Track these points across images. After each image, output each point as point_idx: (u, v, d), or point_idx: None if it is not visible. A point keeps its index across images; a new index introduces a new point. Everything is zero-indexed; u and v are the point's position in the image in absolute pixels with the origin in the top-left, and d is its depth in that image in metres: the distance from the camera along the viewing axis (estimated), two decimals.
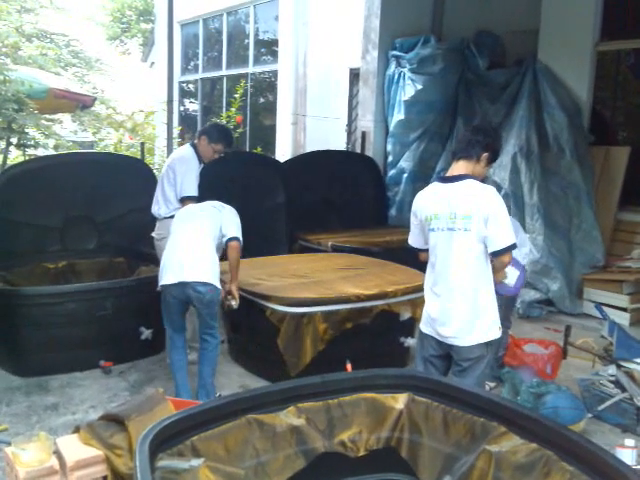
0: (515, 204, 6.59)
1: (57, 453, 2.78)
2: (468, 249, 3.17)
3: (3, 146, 8.48)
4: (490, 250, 3.14)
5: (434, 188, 3.33)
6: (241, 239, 4.24)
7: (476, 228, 3.12)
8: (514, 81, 7.12)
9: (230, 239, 4.21)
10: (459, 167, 3.24)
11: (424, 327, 3.45)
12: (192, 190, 4.81)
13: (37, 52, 9.74)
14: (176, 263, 4.03)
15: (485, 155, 3.26)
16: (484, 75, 7.49)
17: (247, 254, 5.31)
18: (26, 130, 8.08)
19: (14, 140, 8.24)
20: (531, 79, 6.96)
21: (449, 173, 3.29)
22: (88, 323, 4.65)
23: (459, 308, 3.24)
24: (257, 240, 6.23)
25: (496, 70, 7.49)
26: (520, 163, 6.68)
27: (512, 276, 3.67)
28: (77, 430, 2.95)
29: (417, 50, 7.49)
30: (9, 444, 2.78)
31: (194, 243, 4.12)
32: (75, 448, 2.81)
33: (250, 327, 4.57)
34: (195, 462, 2.38)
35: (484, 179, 3.43)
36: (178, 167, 4.87)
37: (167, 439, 2.37)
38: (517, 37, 7.63)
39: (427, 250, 3.40)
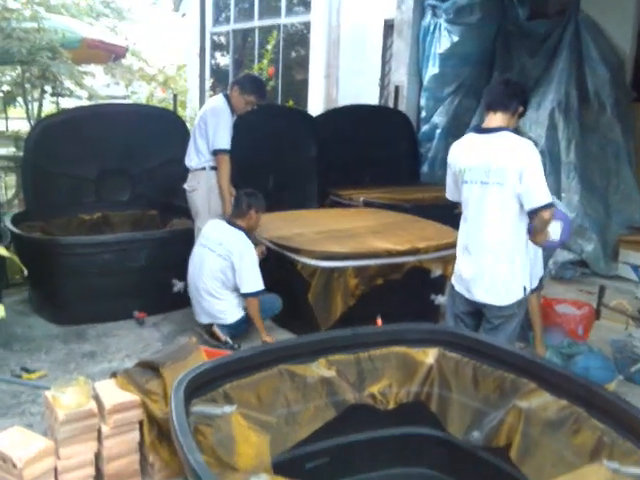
0: (551, 162, 6.46)
1: (95, 397, 2.86)
2: (501, 204, 3.12)
3: (37, 95, 8.53)
4: (527, 208, 3.07)
5: (470, 139, 3.27)
6: (258, 290, 4.29)
7: (511, 183, 3.05)
8: (555, 33, 6.89)
9: (245, 295, 4.29)
10: (496, 119, 3.16)
11: (455, 284, 3.44)
12: (225, 143, 4.75)
13: (70, 1, 9.68)
14: (195, 303, 4.48)
15: (521, 109, 3.21)
16: (524, 26, 7.25)
17: (278, 207, 5.34)
18: (60, 79, 8.09)
19: (48, 89, 8.27)
20: (573, 31, 6.73)
21: (485, 124, 3.21)
22: (122, 274, 4.73)
23: (490, 266, 3.20)
24: (288, 194, 6.26)
25: (537, 21, 7.24)
26: (558, 119, 6.52)
27: (555, 230, 3.54)
28: (114, 376, 3.03)
29: None
30: (48, 389, 2.87)
31: (205, 285, 4.35)
32: (113, 393, 2.89)
33: (280, 281, 4.59)
34: (228, 408, 2.44)
35: (519, 134, 3.35)
36: (210, 119, 4.81)
37: (201, 386, 2.43)
38: None
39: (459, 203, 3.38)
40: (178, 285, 4.81)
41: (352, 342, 2.90)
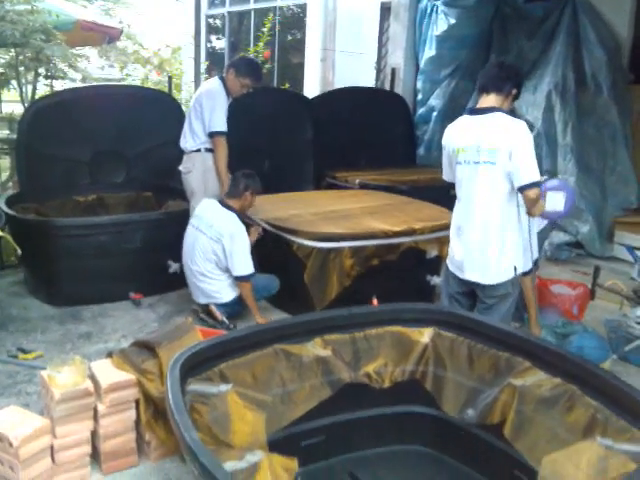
0: (547, 144, 6.45)
1: (91, 376, 2.86)
2: (492, 183, 3.15)
3: (31, 77, 8.46)
4: (515, 185, 3.10)
5: (463, 120, 3.31)
6: (249, 273, 4.29)
7: (501, 162, 3.09)
8: (552, 15, 6.84)
9: (237, 277, 4.29)
10: (489, 100, 3.20)
11: (449, 264, 3.48)
12: (221, 125, 4.75)
13: None
14: (191, 284, 4.48)
15: (514, 91, 3.24)
16: (521, 8, 7.21)
17: (274, 189, 5.33)
18: (54, 61, 8.02)
19: (42, 71, 8.20)
20: (570, 13, 6.69)
21: (478, 105, 3.25)
22: (118, 255, 4.72)
23: (481, 245, 3.24)
24: (284, 176, 6.25)
25: (534, 3, 7.19)
26: (555, 101, 6.51)
27: (558, 201, 3.52)
28: (110, 356, 3.03)
29: None
30: (44, 369, 2.87)
31: (198, 267, 4.35)
32: (109, 372, 2.90)
33: (276, 262, 4.59)
34: (223, 387, 2.46)
35: (516, 117, 3.37)
36: (205, 101, 4.80)
37: (196, 365, 2.44)
38: None
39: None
40: (174, 266, 4.80)
41: (348, 322, 2.91)
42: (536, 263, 4.08)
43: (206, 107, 4.76)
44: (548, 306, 4.38)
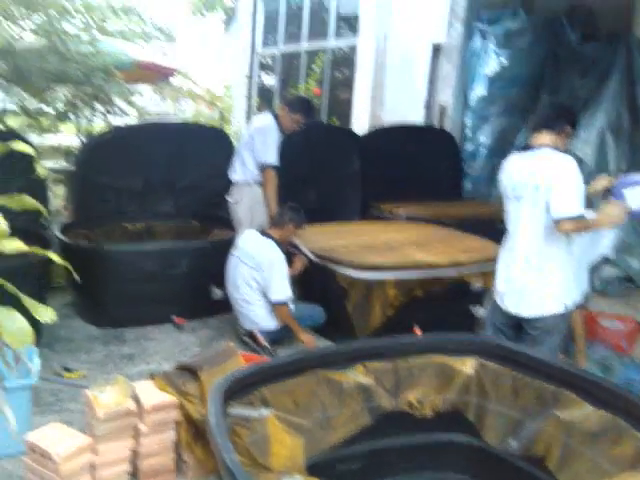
0: None
1: (134, 397, 2.89)
2: (536, 218, 3.18)
3: (88, 113, 8.80)
4: (552, 216, 3.10)
5: (515, 157, 3.38)
6: (286, 298, 4.33)
7: (544, 197, 3.12)
8: (606, 55, 6.78)
9: (274, 302, 4.34)
10: (541, 137, 3.25)
11: (495, 295, 3.46)
12: (272, 158, 4.89)
13: (123, 25, 10.00)
14: (236, 310, 4.53)
15: (568, 128, 3.27)
16: (574, 49, 7.16)
17: (321, 220, 5.36)
18: (112, 99, 8.34)
19: (100, 108, 8.53)
20: (624, 53, 6.64)
21: (530, 143, 3.32)
22: (163, 281, 4.80)
23: (523, 277, 3.25)
24: (331, 208, 6.29)
25: (588, 44, 7.16)
26: (608, 139, 6.42)
27: (637, 199, 3.27)
28: (153, 377, 3.06)
29: (504, 23, 7.21)
30: (87, 388, 2.91)
31: (241, 295, 4.43)
32: (151, 393, 2.92)
33: (320, 290, 4.60)
34: (264, 411, 2.45)
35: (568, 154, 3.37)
36: (258, 135, 4.95)
37: (239, 389, 2.45)
38: (611, 11, 7.25)
39: None
40: (217, 292, 4.85)
41: (390, 350, 2.88)
42: (586, 296, 4.00)
43: (258, 141, 4.90)
44: (596, 340, 4.27)
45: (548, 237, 3.17)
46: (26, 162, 3.78)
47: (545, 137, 3.22)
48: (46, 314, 2.34)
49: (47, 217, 4.72)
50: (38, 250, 2.58)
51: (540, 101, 7.26)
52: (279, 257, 4.36)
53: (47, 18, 7.92)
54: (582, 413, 2.40)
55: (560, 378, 2.56)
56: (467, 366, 2.83)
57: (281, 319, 4.37)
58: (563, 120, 3.26)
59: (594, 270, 4.46)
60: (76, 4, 7.95)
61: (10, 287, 2.27)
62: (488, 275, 4.34)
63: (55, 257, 2.62)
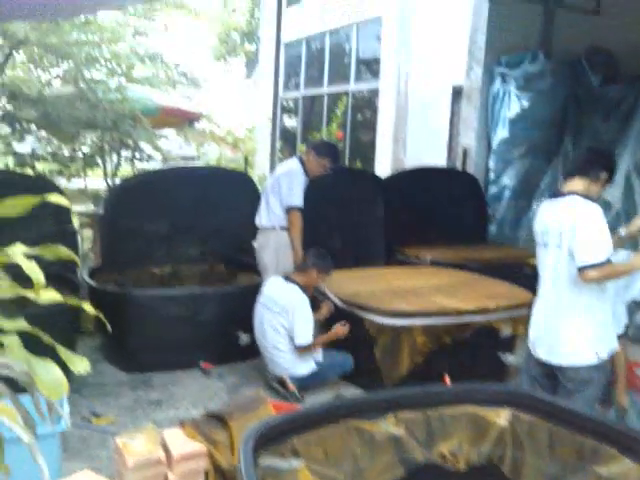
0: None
1: (163, 445, 2.88)
2: (560, 265, 3.15)
3: (115, 157, 8.99)
4: (577, 264, 3.05)
5: (545, 203, 3.37)
6: (307, 343, 4.35)
7: (567, 244, 3.09)
8: (629, 97, 6.80)
9: (297, 346, 4.38)
10: (572, 184, 3.21)
11: (528, 343, 3.42)
12: (298, 200, 4.95)
13: (149, 72, 10.29)
14: (265, 357, 4.54)
15: (603, 174, 3.20)
16: (596, 92, 7.21)
17: (345, 265, 5.36)
18: (138, 145, 8.53)
19: (127, 153, 8.72)
20: None
21: (561, 189, 3.30)
22: (190, 326, 4.83)
23: (554, 326, 3.20)
24: (355, 252, 6.30)
25: (609, 86, 7.20)
26: (634, 181, 6.40)
27: None
28: (182, 425, 3.05)
29: (524, 66, 7.31)
30: (116, 434, 2.91)
31: (270, 342, 4.44)
32: (180, 441, 2.90)
33: (348, 337, 4.57)
34: (295, 463, 2.42)
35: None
36: (284, 179, 5.02)
37: (269, 439, 2.41)
38: (632, 53, 7.32)
39: None
40: (244, 338, 4.85)
41: (422, 400, 2.83)
42: (626, 328, 3.90)
43: (284, 184, 4.96)
44: (633, 390, 4.15)
45: (576, 284, 3.11)
46: (56, 206, 3.89)
47: (577, 184, 3.17)
48: (81, 365, 2.34)
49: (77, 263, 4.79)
50: (72, 300, 2.60)
51: (563, 144, 7.30)
52: (302, 301, 4.39)
53: (75, 66, 8.18)
54: (622, 468, 2.33)
55: (598, 432, 2.49)
56: (501, 417, 2.77)
57: (307, 353, 4.41)
58: (598, 166, 3.19)
59: (629, 315, 4.38)
60: (104, 51, 8.20)
61: (46, 337, 2.29)
62: (517, 322, 4.32)
63: (88, 307, 2.64)
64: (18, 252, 2.25)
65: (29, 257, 2.20)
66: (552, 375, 3.30)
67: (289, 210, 4.95)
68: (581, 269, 3.02)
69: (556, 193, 3.33)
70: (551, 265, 3.21)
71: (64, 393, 2.15)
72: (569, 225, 3.07)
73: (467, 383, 3.00)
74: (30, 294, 2.19)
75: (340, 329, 4.46)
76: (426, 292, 4.74)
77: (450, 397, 2.88)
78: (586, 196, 3.14)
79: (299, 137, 13.93)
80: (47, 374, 2.15)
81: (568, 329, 3.16)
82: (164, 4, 10.44)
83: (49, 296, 2.47)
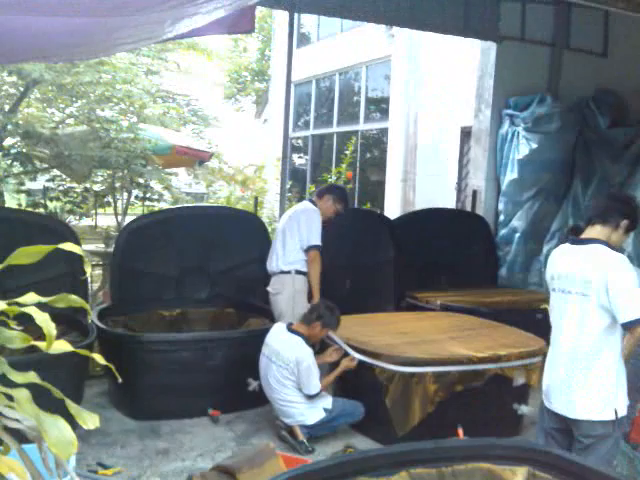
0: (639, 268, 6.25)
1: None
2: (584, 315, 3.05)
3: (126, 195, 9.06)
4: (620, 321, 2.97)
5: (564, 248, 3.28)
6: (315, 393, 4.33)
7: (595, 294, 3.00)
8: (637, 140, 6.84)
9: (307, 396, 4.35)
10: (593, 231, 3.14)
11: (542, 395, 3.33)
12: (318, 239, 5.02)
13: (161, 111, 10.43)
14: (274, 407, 4.47)
15: (625, 222, 3.13)
16: (605, 134, 7.24)
17: (355, 309, 5.33)
18: (149, 184, 8.60)
19: (138, 193, 8.77)
20: None
21: (582, 236, 3.21)
22: (199, 371, 4.77)
23: (571, 378, 3.10)
24: (365, 295, 6.26)
25: (617, 129, 7.23)
26: None
27: None
28: (190, 479, 3.00)
29: (532, 109, 7.35)
30: None
31: (277, 394, 4.39)
32: None
33: (357, 385, 4.52)
34: None
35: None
36: (303, 218, 5.06)
37: None
38: (638, 94, 7.38)
39: None
40: (253, 384, 4.79)
41: (434, 455, 2.76)
42: None
43: (303, 224, 5.01)
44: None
45: (600, 337, 3.03)
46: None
47: (599, 231, 3.11)
48: (90, 421, 2.31)
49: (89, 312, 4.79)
50: (83, 352, 2.59)
51: (573, 186, 7.30)
52: (305, 355, 4.34)
53: (88, 105, 8.30)
54: None
55: None
56: (518, 476, 2.69)
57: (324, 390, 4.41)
58: (618, 214, 3.12)
59: None
60: (116, 91, 8.32)
61: (56, 392, 2.27)
62: (531, 370, 4.26)
63: (100, 359, 2.62)
64: (30, 301, 2.25)
65: (41, 305, 2.20)
66: (567, 430, 3.21)
67: (309, 250, 4.96)
68: (630, 324, 2.94)
69: (577, 239, 3.22)
70: (572, 313, 3.10)
71: (73, 452, 2.11)
72: (598, 276, 2.98)
73: (482, 438, 2.92)
74: (41, 345, 2.18)
75: (347, 363, 4.41)
76: (437, 339, 4.70)
77: (465, 453, 2.81)
78: (608, 244, 3.09)
79: (309, 177, 14.02)
80: (57, 431, 2.12)
81: (588, 382, 3.06)
82: (177, 44, 10.63)
83: (60, 347, 2.45)
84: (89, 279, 7.06)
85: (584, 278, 3.04)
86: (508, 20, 7.49)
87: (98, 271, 7.69)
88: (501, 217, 7.62)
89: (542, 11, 7.67)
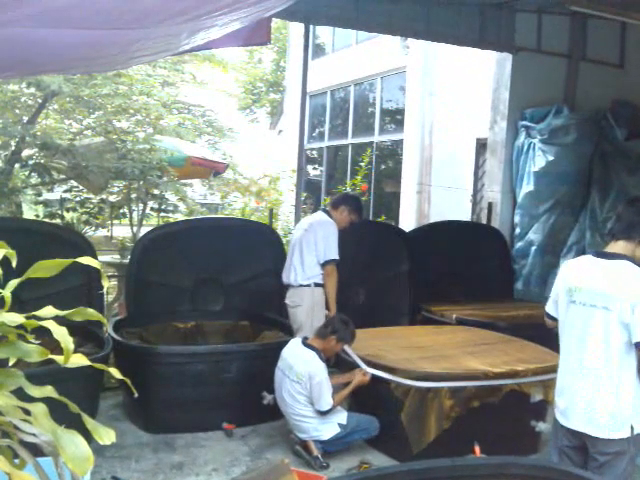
0: None
1: None
2: (606, 330, 2.98)
3: (142, 206, 9.09)
4: (633, 340, 2.92)
5: (586, 260, 3.20)
6: (328, 409, 4.28)
7: (619, 309, 2.93)
8: None
9: (319, 412, 4.31)
10: (617, 246, 3.08)
11: (556, 412, 3.26)
12: (335, 253, 5.01)
13: (176, 122, 10.47)
14: (289, 423, 4.44)
15: None
16: (622, 146, 7.18)
17: (369, 323, 5.30)
18: (165, 195, 8.63)
19: (153, 204, 8.81)
20: None
21: (606, 249, 3.15)
22: (214, 384, 4.75)
23: (597, 396, 3.02)
24: (380, 309, 6.24)
25: (635, 141, 7.17)
26: None
27: None
28: None
29: (549, 120, 7.31)
30: None
31: (291, 409, 4.36)
32: None
33: (373, 400, 4.48)
34: None
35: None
36: (320, 231, 5.04)
37: None
38: None
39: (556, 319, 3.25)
40: (268, 398, 4.75)
41: (451, 474, 2.73)
42: None
43: (320, 240, 4.99)
44: None
45: (621, 353, 2.97)
46: (81, 254, 3.93)
47: (622, 246, 3.06)
48: (106, 436, 2.30)
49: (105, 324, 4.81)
50: (100, 366, 2.58)
51: (590, 199, 7.23)
52: (318, 369, 4.30)
53: (105, 117, 8.37)
54: None
55: None
56: None
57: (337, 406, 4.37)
58: None
59: None
60: (133, 101, 8.38)
61: (73, 406, 2.26)
62: (549, 387, 4.19)
63: (116, 373, 2.61)
64: (48, 314, 2.25)
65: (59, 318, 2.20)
66: (582, 447, 3.15)
67: (326, 264, 4.95)
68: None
69: (600, 252, 3.16)
70: (600, 329, 3.01)
71: (89, 468, 2.11)
72: (625, 293, 2.93)
73: (501, 457, 2.88)
74: (58, 358, 2.18)
75: (360, 377, 4.37)
76: (453, 353, 4.65)
77: (482, 471, 2.77)
78: (633, 260, 3.03)
79: (323, 188, 14.03)
80: (73, 447, 2.11)
81: (611, 400, 3.00)
82: (193, 56, 10.69)
83: (76, 360, 2.45)
84: (105, 292, 7.09)
85: (610, 293, 2.97)
86: (524, 31, 7.49)
87: (113, 282, 7.72)
88: (517, 230, 7.57)
89: (558, 22, 7.65)
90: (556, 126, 7.26)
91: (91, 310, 2.73)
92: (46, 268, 2.20)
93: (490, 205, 7.78)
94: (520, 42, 7.47)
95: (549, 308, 3.35)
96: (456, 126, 10.16)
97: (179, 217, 9.11)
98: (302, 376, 4.27)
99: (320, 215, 5.31)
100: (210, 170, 10.56)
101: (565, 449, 3.21)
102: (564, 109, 7.42)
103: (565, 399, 3.17)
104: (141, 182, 8.21)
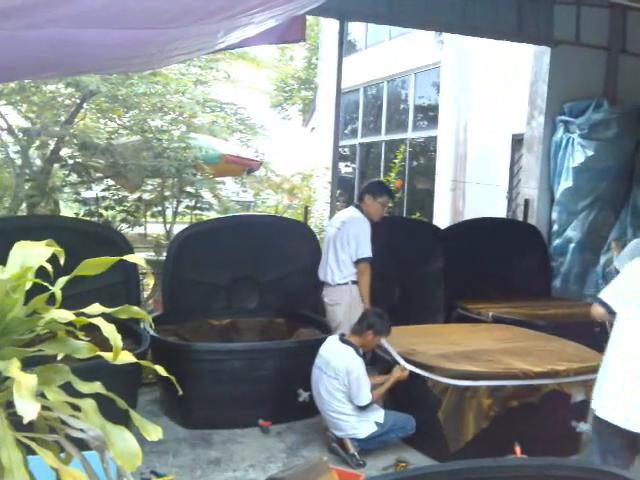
0: None
1: None
2: None
3: (176, 204, 9.16)
4: None
5: None
6: (367, 403, 4.28)
7: None
8: None
9: (358, 407, 4.30)
10: None
11: (609, 414, 3.14)
12: (368, 252, 4.99)
13: (210, 120, 10.52)
14: (325, 419, 4.44)
15: None
16: None
17: (404, 320, 5.26)
18: (200, 193, 8.69)
19: (189, 202, 8.87)
20: None
21: None
22: (249, 381, 4.78)
23: None
24: (415, 306, 6.19)
25: None
26: None
27: None
28: None
29: (588, 115, 7.16)
30: None
31: (328, 406, 4.36)
32: None
33: (410, 398, 4.45)
34: None
35: None
36: (352, 229, 5.03)
37: None
38: None
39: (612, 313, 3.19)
40: (303, 395, 4.76)
41: (493, 474, 2.68)
42: None
43: (352, 236, 4.99)
44: None
45: None
46: (120, 252, 3.97)
47: None
48: (154, 432, 2.31)
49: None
50: (145, 363, 2.59)
51: (632, 195, 7.07)
52: (355, 364, 4.29)
53: (141, 115, 8.45)
54: None
55: None
56: None
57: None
58: None
59: None
60: (168, 99, 8.44)
61: (120, 402, 2.28)
62: (590, 386, 4.10)
63: (161, 370, 2.61)
64: (95, 312, 2.27)
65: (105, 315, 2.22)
66: (629, 446, 3.10)
67: (359, 262, 4.94)
68: None
69: None
70: None
71: (138, 463, 2.12)
72: None
73: (543, 458, 2.83)
74: (107, 355, 2.20)
75: (399, 373, 4.35)
76: (491, 352, 4.58)
77: (524, 472, 2.72)
78: None
79: (357, 185, 13.98)
80: (123, 443, 2.12)
81: None
82: (227, 54, 10.72)
83: (123, 358, 2.47)
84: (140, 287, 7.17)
85: None
86: (562, 24, 7.34)
87: (148, 280, 7.79)
88: (555, 227, 7.44)
89: (597, 14, 7.49)
90: (596, 120, 7.11)
91: (136, 308, 2.75)
92: (93, 266, 2.22)
93: (527, 202, 7.66)
94: (559, 35, 7.33)
95: (610, 299, 3.25)
96: (491, 122, 10.03)
97: (213, 215, 9.16)
98: (339, 371, 4.26)
99: (351, 211, 5.28)
100: (244, 168, 10.59)
101: (612, 449, 3.15)
102: (604, 103, 7.26)
103: (624, 400, 3.08)
104: (175, 180, 8.29)
